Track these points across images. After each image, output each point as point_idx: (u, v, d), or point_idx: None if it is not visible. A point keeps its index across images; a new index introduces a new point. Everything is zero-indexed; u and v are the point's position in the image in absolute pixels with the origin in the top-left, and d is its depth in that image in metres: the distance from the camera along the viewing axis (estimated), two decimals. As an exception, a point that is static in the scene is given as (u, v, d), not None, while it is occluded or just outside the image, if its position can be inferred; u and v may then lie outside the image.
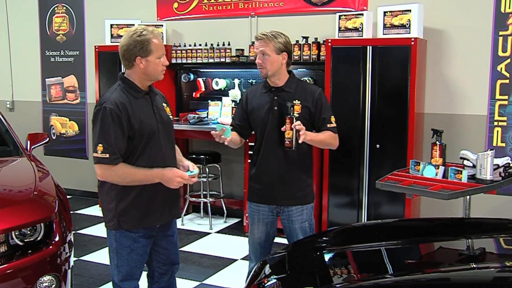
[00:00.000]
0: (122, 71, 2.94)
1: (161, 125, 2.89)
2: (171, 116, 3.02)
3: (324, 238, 3.06)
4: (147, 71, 2.82)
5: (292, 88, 3.24)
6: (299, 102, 3.18)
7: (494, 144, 4.82)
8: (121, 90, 2.82)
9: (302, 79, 5.35)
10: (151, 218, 2.88)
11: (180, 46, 6.11)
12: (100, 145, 2.71)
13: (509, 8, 4.71)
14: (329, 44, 5.01)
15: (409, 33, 4.70)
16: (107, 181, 2.81)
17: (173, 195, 2.97)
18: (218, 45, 5.89)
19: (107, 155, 2.70)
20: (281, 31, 3.27)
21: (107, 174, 2.75)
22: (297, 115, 3.09)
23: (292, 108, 3.08)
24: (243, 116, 3.35)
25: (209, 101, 6.02)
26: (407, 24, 4.71)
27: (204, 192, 6.00)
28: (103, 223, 2.95)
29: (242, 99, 3.40)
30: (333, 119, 3.26)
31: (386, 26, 4.81)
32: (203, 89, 6.12)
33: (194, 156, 5.70)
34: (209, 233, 5.65)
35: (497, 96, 4.82)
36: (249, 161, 4.85)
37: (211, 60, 5.89)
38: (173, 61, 6.09)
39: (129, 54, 2.79)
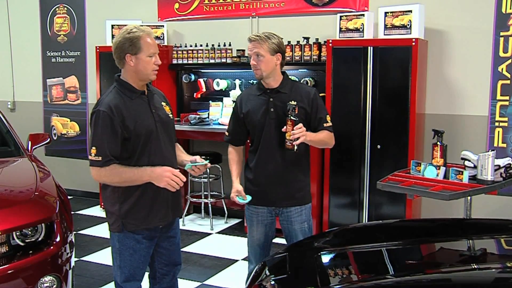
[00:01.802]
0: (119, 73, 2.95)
1: (160, 124, 2.89)
2: (171, 115, 3.01)
3: (325, 239, 3.06)
4: (137, 69, 2.81)
5: (287, 89, 3.23)
6: (295, 102, 3.19)
7: (495, 144, 4.82)
8: (116, 91, 2.84)
9: (302, 80, 5.38)
10: (155, 218, 2.88)
11: (181, 46, 6.11)
12: (94, 148, 2.76)
13: (510, 8, 4.70)
14: (330, 44, 5.01)
15: (410, 33, 4.70)
16: (101, 182, 2.84)
17: (175, 194, 2.97)
18: (219, 45, 5.89)
19: (100, 158, 2.74)
20: (282, 31, 3.27)
21: (99, 176, 2.78)
22: (296, 118, 3.07)
23: (293, 110, 3.06)
24: (238, 122, 3.33)
25: (210, 101, 6.02)
26: (408, 24, 4.71)
27: (205, 193, 5.99)
28: (104, 224, 2.96)
29: (236, 104, 3.36)
30: (328, 118, 3.28)
31: (387, 26, 4.81)
32: (204, 89, 6.12)
33: (195, 156, 5.69)
34: (210, 234, 5.66)
35: (498, 97, 4.81)
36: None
37: (212, 61, 5.89)
38: (174, 61, 6.10)
39: (119, 51, 2.81)
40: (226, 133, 3.41)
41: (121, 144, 2.77)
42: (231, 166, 3.36)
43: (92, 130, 2.79)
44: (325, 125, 3.25)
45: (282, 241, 3.45)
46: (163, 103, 2.99)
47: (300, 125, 3.03)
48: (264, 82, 3.24)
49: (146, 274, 3.07)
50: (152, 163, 2.81)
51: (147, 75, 2.84)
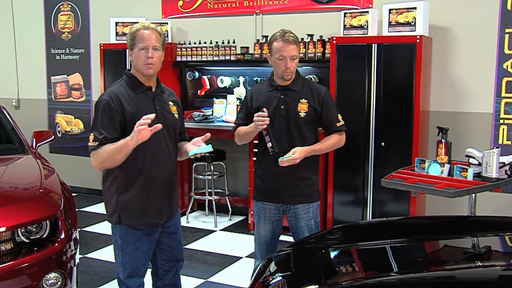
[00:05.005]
0: (128, 67, 2.98)
1: (162, 122, 2.83)
2: (176, 115, 2.97)
3: (329, 236, 3.06)
4: (134, 64, 2.86)
5: (298, 86, 3.25)
6: (305, 101, 3.19)
7: (500, 142, 4.81)
8: (121, 83, 2.89)
9: (306, 77, 5.36)
10: (151, 214, 2.88)
11: (185, 44, 6.11)
12: (91, 134, 2.78)
13: (515, 5, 4.69)
14: (334, 42, 5.00)
15: (414, 30, 4.69)
16: (100, 168, 2.80)
17: (171, 190, 2.97)
18: (223, 43, 5.89)
19: (96, 143, 2.75)
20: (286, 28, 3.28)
21: (95, 160, 2.76)
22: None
23: None
24: (247, 115, 3.33)
25: (214, 99, 6.02)
26: (412, 21, 4.69)
27: (209, 190, 6.00)
28: (107, 219, 2.96)
29: (247, 98, 3.37)
30: (340, 117, 3.31)
31: (391, 23, 4.80)
32: (208, 87, 6.12)
33: (199, 154, 5.69)
34: (214, 231, 5.66)
35: (503, 94, 4.80)
36: (254, 159, 4.86)
37: (216, 58, 5.89)
38: (178, 59, 6.10)
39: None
40: (235, 124, 3.41)
41: (120, 137, 2.75)
42: (242, 131, 3.31)
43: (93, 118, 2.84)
44: (338, 125, 3.29)
45: (288, 238, 3.45)
46: (170, 102, 2.98)
47: (294, 155, 3.09)
48: (281, 79, 3.23)
49: (149, 271, 3.08)
50: (150, 160, 2.81)
51: (140, 70, 2.83)
